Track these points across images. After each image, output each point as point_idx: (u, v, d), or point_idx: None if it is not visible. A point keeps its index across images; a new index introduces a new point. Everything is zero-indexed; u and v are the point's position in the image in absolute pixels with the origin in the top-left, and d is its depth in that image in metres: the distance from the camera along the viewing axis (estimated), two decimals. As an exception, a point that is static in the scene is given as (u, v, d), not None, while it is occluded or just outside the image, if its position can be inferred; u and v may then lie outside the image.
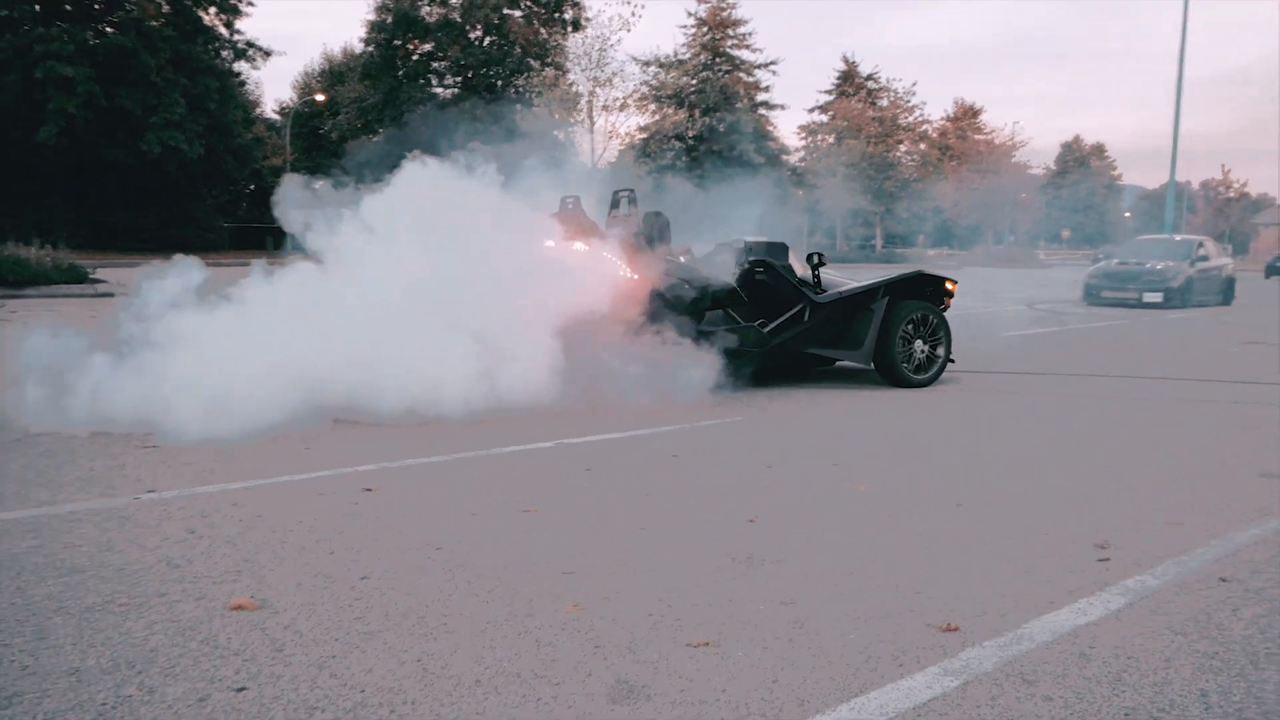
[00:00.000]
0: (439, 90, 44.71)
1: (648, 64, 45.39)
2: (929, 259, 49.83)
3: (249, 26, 51.95)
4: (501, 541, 3.45)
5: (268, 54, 40.61)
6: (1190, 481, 4.55)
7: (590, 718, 2.21)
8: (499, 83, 42.07)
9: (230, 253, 33.50)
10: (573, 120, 36.39)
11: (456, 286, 6.12)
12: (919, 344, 7.50)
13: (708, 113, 45.67)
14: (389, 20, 43.64)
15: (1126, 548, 3.47)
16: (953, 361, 7.86)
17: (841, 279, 8.06)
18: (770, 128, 51.02)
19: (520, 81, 40.62)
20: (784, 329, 7.21)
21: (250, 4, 38.76)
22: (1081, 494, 4.28)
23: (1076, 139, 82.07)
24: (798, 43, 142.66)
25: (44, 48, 32.08)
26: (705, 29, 48.82)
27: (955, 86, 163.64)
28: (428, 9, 43.83)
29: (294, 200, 6.64)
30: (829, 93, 59.28)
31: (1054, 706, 2.29)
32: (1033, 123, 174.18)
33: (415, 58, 44.77)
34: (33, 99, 32.43)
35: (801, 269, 7.60)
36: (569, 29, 43.26)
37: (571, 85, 37.08)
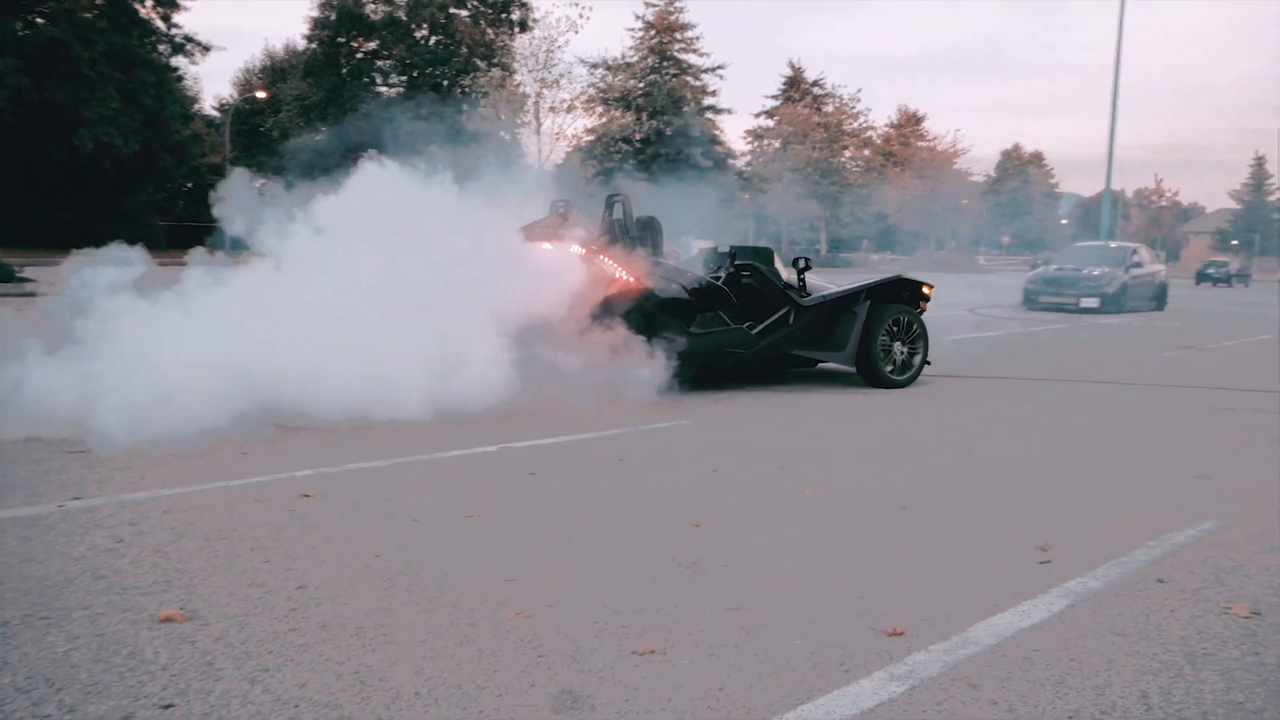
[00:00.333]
0: (383, 89, 44.20)
1: (595, 66, 45.30)
2: (872, 263, 50.46)
3: (187, 20, 50.74)
4: (443, 548, 3.38)
5: (206, 49, 39.82)
6: (1130, 483, 4.62)
7: (533, 730, 2.16)
8: (445, 82, 41.73)
9: (167, 252, 32.73)
10: (520, 121, 36.15)
11: (407, 288, 6.02)
12: (898, 346, 7.75)
13: (655, 116, 45.75)
14: (333, 17, 43.05)
15: (1068, 550, 3.50)
16: (929, 364, 8.04)
17: (823, 283, 8.22)
18: (717, 132, 51.27)
19: (466, 82, 40.32)
20: (771, 331, 7.42)
21: (189, -3, 37.97)
22: (1024, 496, 4.33)
23: (1016, 147, 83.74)
24: (745, 48, 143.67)
25: (-31, 39, 31.13)
26: (653, 32, 48.91)
27: (899, 94, 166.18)
28: (372, 7, 43.33)
29: (238, 197, 6.49)
30: (775, 98, 59.75)
31: (999, 711, 2.29)
32: (974, 130, 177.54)
33: (359, 56, 44.23)
34: (-43, 92, 31.43)
35: (786, 273, 7.78)
36: (516, 29, 43.05)
37: (519, 86, 36.83)
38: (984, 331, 13.93)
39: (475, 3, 43.20)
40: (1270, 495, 4.46)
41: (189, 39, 39.31)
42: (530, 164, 33.81)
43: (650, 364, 6.67)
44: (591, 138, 43.51)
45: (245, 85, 50.21)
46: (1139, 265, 19.99)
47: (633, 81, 46.42)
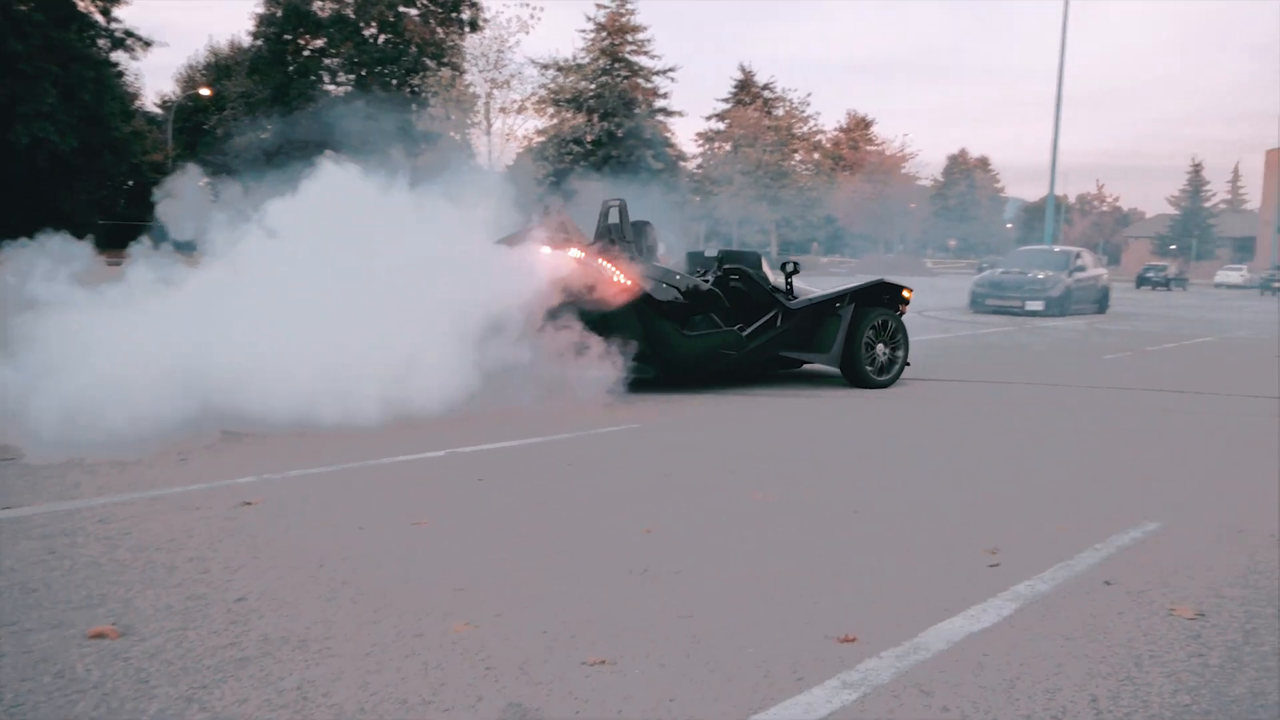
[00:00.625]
0: (331, 88, 43.63)
1: (546, 67, 45.14)
2: (822, 266, 50.89)
3: (128, 15, 49.58)
4: (389, 557, 3.30)
5: (148, 44, 38.96)
6: (1076, 485, 4.68)
7: (480, 745, 2.11)
8: (394, 82, 41.30)
9: (107, 251, 31.97)
10: (470, 122, 35.88)
11: (358, 288, 5.91)
12: (880, 347, 7.98)
13: (606, 117, 45.70)
14: (279, 14, 42.39)
15: (1016, 552, 3.52)
16: (909, 365, 8.22)
17: (808, 286, 8.40)
18: (668, 134, 51.35)
19: (416, 81, 39.95)
20: (760, 333, 7.63)
21: (129, -9, 37.15)
22: (974, 498, 4.35)
23: (962, 152, 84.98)
24: (696, 51, 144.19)
25: (-102, 31, 30.15)
26: (604, 34, 48.88)
27: (848, 98, 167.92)
28: (320, 4, 42.74)
29: (184, 195, 6.36)
30: (726, 101, 60.03)
31: (951, 717, 2.28)
32: (921, 135, 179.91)
33: (306, 53, 43.61)
34: (-114, 85, 30.43)
35: (773, 277, 8.01)
36: (466, 29, 42.73)
37: (469, 86, 36.57)
38: (933, 334, 14.08)
39: (425, 1, 42.80)
40: (1211, 496, 4.54)
41: (129, 34, 38.43)
42: (480, 165, 33.60)
43: (617, 366, 6.72)
44: (543, 139, 43.36)
45: (189, 82, 49.24)
46: (1082, 269, 20.38)
47: (584, 83, 46.33)
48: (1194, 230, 78.31)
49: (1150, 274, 46.58)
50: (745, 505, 4.13)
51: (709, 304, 7.37)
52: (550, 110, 44.97)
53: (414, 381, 5.84)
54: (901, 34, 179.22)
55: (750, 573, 3.24)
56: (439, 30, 42.36)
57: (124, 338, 5.32)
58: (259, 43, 43.36)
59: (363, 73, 41.82)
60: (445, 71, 37.13)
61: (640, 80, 49.50)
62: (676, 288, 7.18)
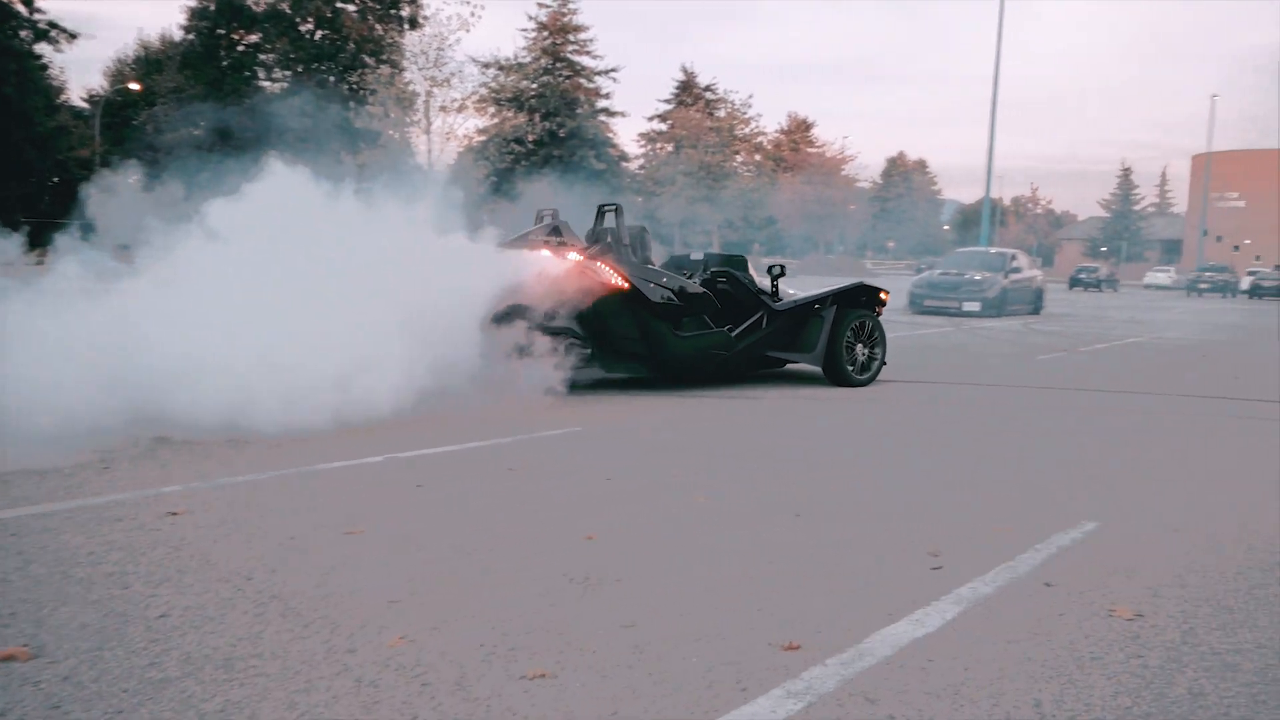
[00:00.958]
0: (267, 84, 42.78)
1: (487, 66, 44.75)
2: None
3: (52, 6, 48.09)
4: (321, 568, 3.19)
5: (73, 36, 37.88)
6: (1015, 485, 4.71)
7: (414, 767, 2.02)
8: (332, 79, 40.64)
9: (31, 250, 30.90)
10: (409, 120, 35.40)
11: (300, 291, 5.75)
12: (860, 347, 8.24)
13: (548, 117, 45.51)
14: (212, 7, 41.46)
15: (959, 554, 3.52)
16: (885, 364, 8.48)
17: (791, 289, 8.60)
18: (610, 134, 51.29)
19: (354, 78, 39.35)
20: (748, 334, 7.88)
21: (55, -18, 36.08)
22: (915, 498, 4.36)
23: (900, 155, 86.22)
24: (638, 51, 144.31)
25: None
26: (546, 33, 48.66)
27: (789, 100, 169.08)
28: (254, -2, 41.88)
29: (115, 192, 6.16)
30: (668, 102, 60.14)
31: (896, 726, 2.25)
32: (861, 138, 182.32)
33: (241, 49, 42.71)
34: None
35: (759, 279, 8.25)
36: (405, 26, 42.18)
37: (408, 84, 36.08)
38: (872, 334, 14.18)
39: (363, -3, 42.21)
40: (1146, 494, 4.60)
41: (54, 25, 37.32)
42: (420, 164, 33.20)
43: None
44: (484, 138, 42.99)
45: (117, 76, 47.95)
46: (1018, 270, 20.75)
47: (525, 82, 46.04)
48: (1124, 233, 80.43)
49: (1083, 275, 47.64)
50: (688, 509, 4.08)
51: (700, 306, 7.56)
52: (491, 109, 44.58)
53: (356, 384, 5.70)
54: (841, 37, 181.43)
55: (693, 579, 3.19)
56: (378, 27, 41.80)
57: (46, 337, 5.11)
58: (191, 37, 42.36)
59: (299, 69, 41.08)
60: (384, 69, 36.60)
61: (582, 80, 49.40)
62: (670, 290, 7.35)
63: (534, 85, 46.43)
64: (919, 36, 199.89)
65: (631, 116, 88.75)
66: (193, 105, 37.74)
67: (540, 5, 48.65)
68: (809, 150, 66.67)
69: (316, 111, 28.25)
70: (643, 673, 2.48)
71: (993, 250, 23.29)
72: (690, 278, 7.85)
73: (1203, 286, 44.87)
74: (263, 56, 42.99)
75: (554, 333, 6.92)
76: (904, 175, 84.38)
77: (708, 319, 7.64)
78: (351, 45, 40.83)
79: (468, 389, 6.28)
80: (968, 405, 7.52)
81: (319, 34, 42.07)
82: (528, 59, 47.64)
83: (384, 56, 40.27)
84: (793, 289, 8.60)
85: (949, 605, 3.01)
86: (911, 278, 22.29)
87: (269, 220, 6.08)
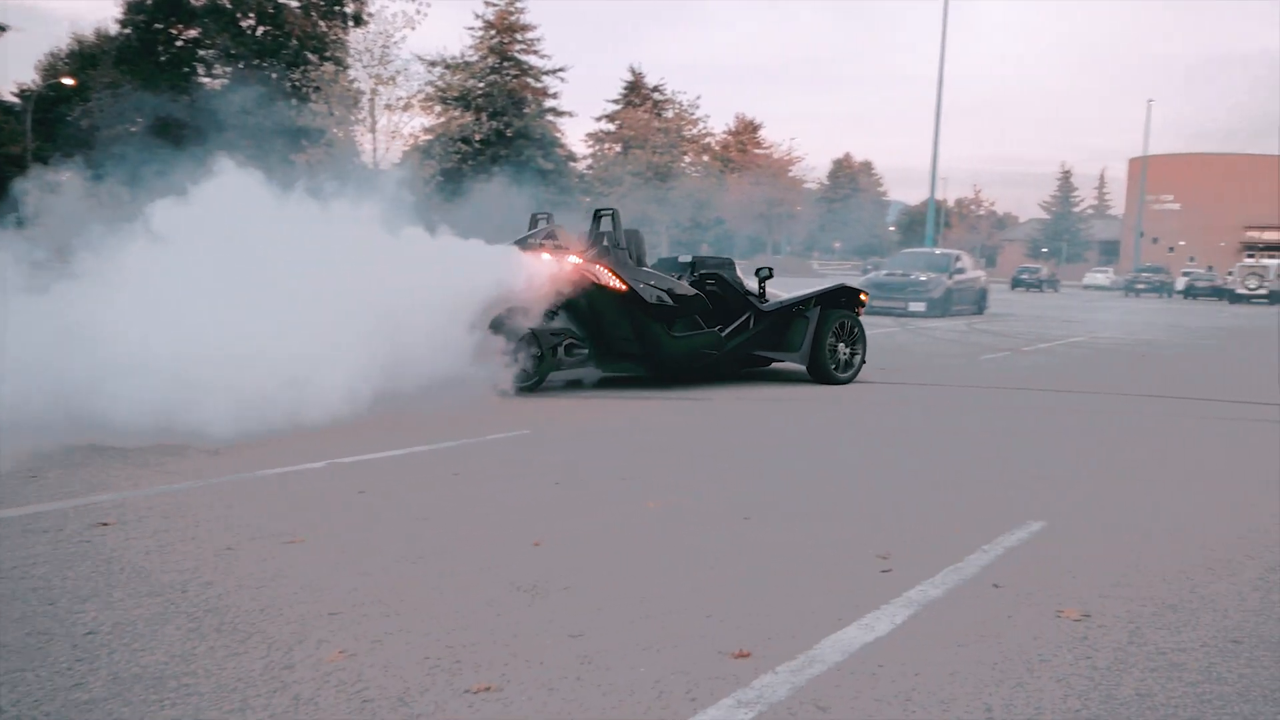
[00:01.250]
0: (206, 80, 41.91)
1: (434, 64, 44.27)
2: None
3: (-18, -1, 46.66)
4: (259, 580, 3.09)
5: (2, 29, 36.73)
6: (961, 485, 4.74)
7: (353, 789, 1.95)
8: (274, 75, 39.92)
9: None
10: (354, 119, 34.90)
11: (245, 290, 5.60)
12: (842, 346, 8.54)
13: (495, 116, 45.17)
14: (149, 1, 40.50)
15: (907, 557, 3.52)
16: (864, 363, 8.74)
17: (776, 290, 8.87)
18: (558, 134, 51.07)
19: (297, 75, 38.69)
20: (736, 334, 8.17)
21: (-18, -26, 35.01)
22: (863, 500, 4.36)
23: (847, 156, 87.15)
24: (586, 51, 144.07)
25: None
26: (493, 32, 48.31)
27: (736, 102, 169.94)
28: (194, -8, 41.00)
29: (49, 189, 5.97)
30: (616, 102, 60.04)
31: (848, 735, 2.22)
32: (807, 140, 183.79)
33: (179, 44, 41.80)
34: None
35: (746, 282, 8.55)
36: (350, 23, 41.59)
37: (353, 82, 35.56)
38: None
39: (306, -6, 41.51)
40: (1090, 494, 4.65)
41: (-18, 18, 36.16)
42: (365, 162, 32.77)
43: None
44: (430, 137, 42.55)
45: (50, 70, 46.62)
46: (962, 271, 21.03)
47: (472, 81, 45.65)
48: (1064, 234, 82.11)
49: (1025, 276, 48.50)
50: (638, 514, 4.03)
51: (692, 307, 7.82)
52: (438, 108, 44.17)
53: (301, 387, 5.56)
54: (789, 40, 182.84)
55: (643, 586, 3.14)
56: (321, 23, 41.16)
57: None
58: (127, 31, 41.35)
59: (240, 65, 40.30)
60: (328, 66, 36.05)
61: (530, 79, 49.11)
62: (665, 291, 7.61)
63: (481, 84, 46.06)
64: (865, 40, 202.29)
65: (579, 117, 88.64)
66: (129, 101, 36.88)
67: (487, 4, 48.30)
68: (756, 151, 67.02)
69: (258, 109, 27.74)
70: (590, 684, 2.42)
71: (937, 251, 23.58)
72: (679, 279, 8.06)
73: (1140, 287, 45.95)
74: (202, 52, 42.11)
75: (554, 333, 7.25)
76: (850, 177, 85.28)
77: (699, 319, 7.90)
78: (294, 42, 40.15)
79: (422, 391, 6.19)
80: (915, 405, 7.57)
81: (261, 30, 41.31)
82: (474, 58, 47.25)
83: (328, 53, 39.66)
84: (784, 293, 8.93)
85: (899, 609, 3.00)
86: (858, 278, 22.49)
87: (209, 219, 5.94)
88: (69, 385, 5.03)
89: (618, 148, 56.45)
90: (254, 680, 2.38)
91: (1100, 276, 58.80)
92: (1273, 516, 4.34)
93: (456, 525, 3.78)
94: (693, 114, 61.35)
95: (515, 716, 2.25)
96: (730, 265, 8.55)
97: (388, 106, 35.00)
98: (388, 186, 7.44)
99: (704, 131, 62.88)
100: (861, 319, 8.87)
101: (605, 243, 7.53)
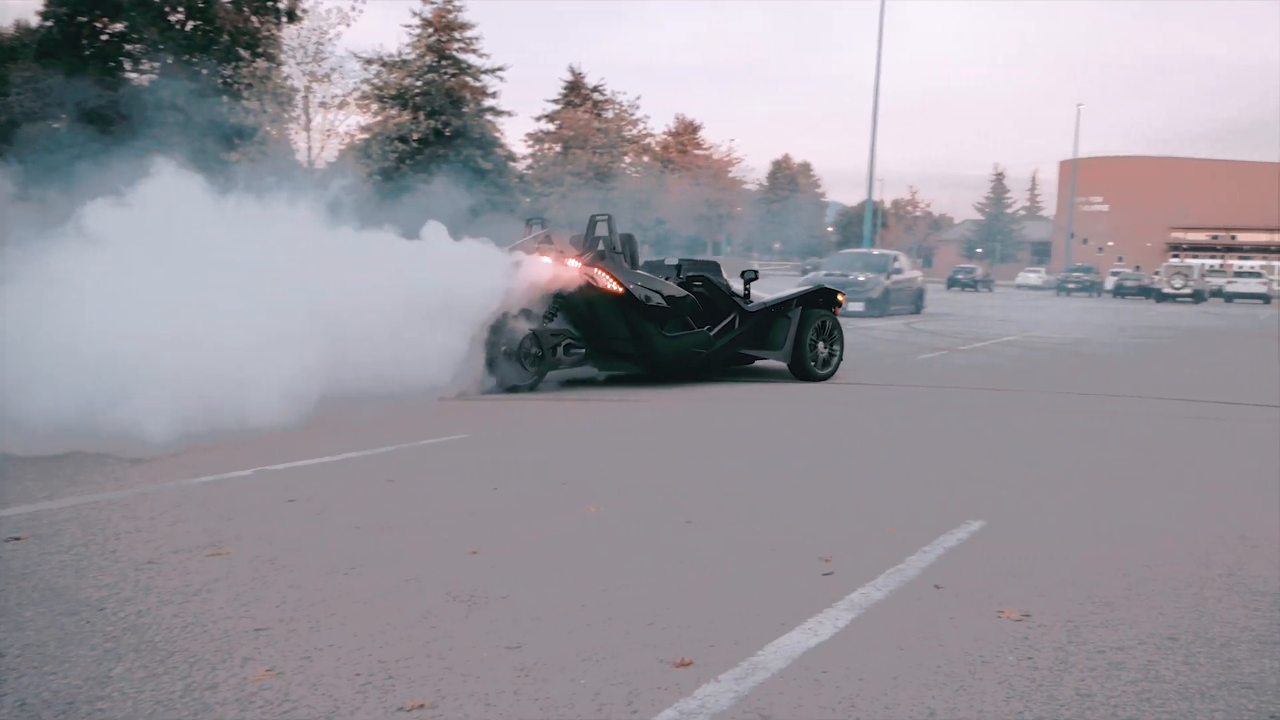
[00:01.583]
0: (133, 75, 40.79)
1: (370, 62, 43.65)
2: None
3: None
4: (182, 595, 2.96)
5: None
6: (901, 486, 4.75)
7: (277, 818, 1.85)
8: (204, 71, 39.00)
9: None
10: (287, 117, 34.26)
11: (176, 295, 5.41)
12: (821, 345, 8.90)
13: (433, 115, 44.67)
14: (73, -6, 39.26)
15: (849, 559, 3.50)
16: (842, 360, 9.13)
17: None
18: (498, 134, 50.70)
19: (228, 72, 37.87)
20: (724, 334, 8.50)
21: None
22: (805, 502, 4.34)
23: (786, 158, 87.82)
24: (525, 51, 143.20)
25: None
26: (430, 30, 47.78)
27: (676, 103, 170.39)
28: (120, -15, 39.84)
29: None
30: (556, 102, 59.82)
31: (792, 745, 2.18)
32: (747, 141, 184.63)
33: (105, 38, 40.62)
34: None
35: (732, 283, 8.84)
36: (283, 19, 40.79)
37: (286, 79, 34.92)
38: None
39: (238, -12, 40.59)
40: (1028, 492, 4.69)
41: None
42: (299, 161, 32.18)
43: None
44: (366, 136, 41.95)
45: (-33, 65, 45.02)
46: (899, 271, 21.28)
47: (409, 79, 45.11)
48: (998, 235, 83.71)
49: (960, 276, 49.33)
50: (577, 519, 3.96)
51: (682, 308, 8.13)
52: (374, 107, 43.58)
53: (233, 390, 5.37)
54: (728, 41, 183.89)
55: (583, 594, 3.07)
56: (253, 19, 40.29)
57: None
58: (49, 24, 40.06)
59: (169, 60, 39.29)
60: (261, 62, 35.35)
61: (468, 79, 48.65)
62: (659, 293, 7.89)
63: (418, 83, 45.51)
64: (803, 42, 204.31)
65: (519, 116, 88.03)
66: (51, 96, 35.76)
67: (425, 1, 47.78)
68: (696, 152, 67.29)
69: (189, 105, 27.08)
70: (528, 698, 2.35)
71: (875, 252, 23.87)
72: (667, 281, 8.31)
73: (1071, 286, 47.02)
74: (129, 46, 40.97)
75: (553, 334, 7.56)
76: (789, 177, 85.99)
77: (690, 320, 8.25)
78: (226, 37, 39.24)
79: (364, 395, 6.05)
80: (856, 404, 7.61)
81: (190, 24, 40.32)
82: (412, 56, 46.69)
83: (260, 50, 38.86)
84: (766, 294, 9.22)
85: (841, 612, 2.97)
86: (797, 279, 22.63)
87: (139, 217, 5.75)
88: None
89: (558, 148, 56.25)
90: (174, 702, 2.27)
91: (1033, 276, 60.06)
92: (1209, 512, 4.41)
93: (391, 534, 3.68)
94: (633, 114, 61.36)
95: (450, 734, 2.17)
96: (716, 268, 8.90)
97: (322, 104, 34.48)
98: (325, 185, 7.29)
99: (644, 132, 62.96)
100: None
101: (601, 247, 7.83)
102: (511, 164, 52.49)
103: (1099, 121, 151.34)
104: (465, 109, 46.27)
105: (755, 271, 9.14)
